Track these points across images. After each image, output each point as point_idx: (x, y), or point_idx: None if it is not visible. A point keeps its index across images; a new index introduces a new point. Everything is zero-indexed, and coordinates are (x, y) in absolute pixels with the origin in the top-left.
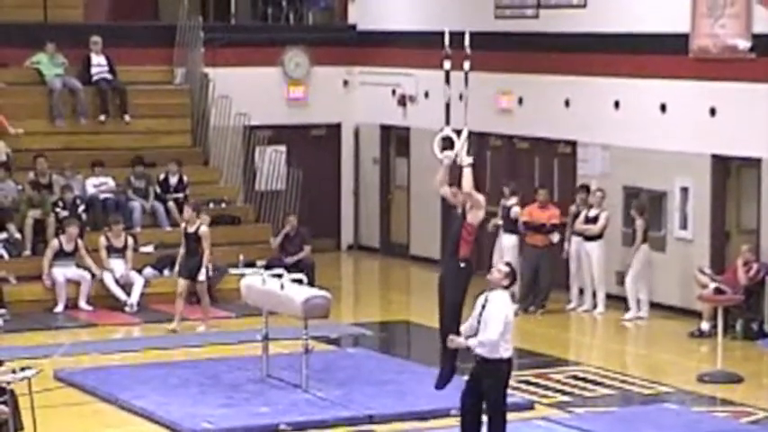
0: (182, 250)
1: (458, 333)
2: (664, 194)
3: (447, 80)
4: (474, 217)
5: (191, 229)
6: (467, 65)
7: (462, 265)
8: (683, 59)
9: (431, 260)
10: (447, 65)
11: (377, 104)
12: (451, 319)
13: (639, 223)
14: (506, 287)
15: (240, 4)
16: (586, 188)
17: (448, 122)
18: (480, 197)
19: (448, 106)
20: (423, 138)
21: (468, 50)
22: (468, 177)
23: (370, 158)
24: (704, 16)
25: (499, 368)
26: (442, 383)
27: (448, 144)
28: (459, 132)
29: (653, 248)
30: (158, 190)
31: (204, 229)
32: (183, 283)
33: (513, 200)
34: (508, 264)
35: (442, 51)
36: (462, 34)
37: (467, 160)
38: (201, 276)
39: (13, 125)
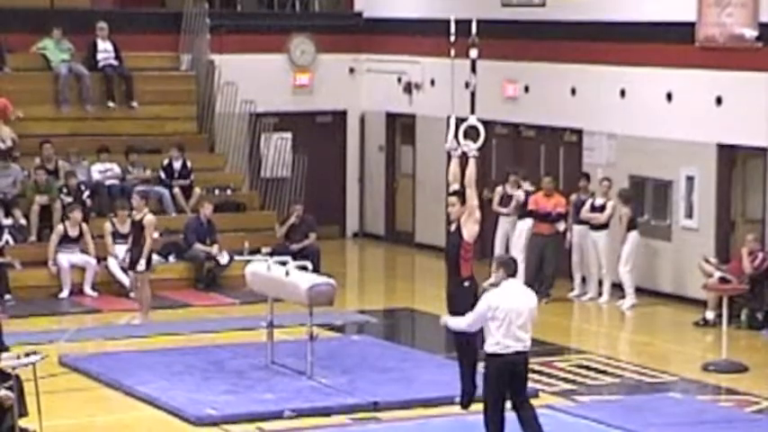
0: (129, 239)
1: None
2: (669, 183)
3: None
4: (470, 233)
5: (137, 217)
6: (473, 53)
7: (466, 284)
8: (689, 48)
9: (436, 248)
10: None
11: (383, 92)
12: (463, 335)
13: (625, 211)
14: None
15: None
16: (587, 176)
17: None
18: (478, 214)
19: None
20: (428, 125)
21: (475, 39)
22: (472, 169)
23: (376, 146)
24: (711, 5)
25: (487, 363)
26: (465, 401)
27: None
28: (464, 120)
29: (658, 238)
30: (163, 175)
31: (149, 218)
32: (131, 274)
33: (527, 185)
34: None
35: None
36: (469, 22)
37: (475, 151)
38: (140, 266)
39: (18, 110)
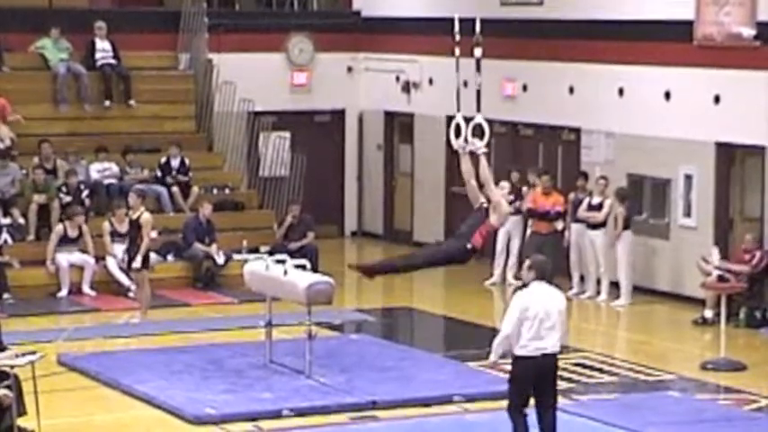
0: (127, 238)
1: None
2: (668, 182)
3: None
4: (497, 220)
5: (134, 216)
6: (478, 51)
7: (469, 246)
8: (687, 47)
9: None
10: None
11: (381, 91)
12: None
13: (620, 211)
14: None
15: None
16: (585, 175)
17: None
18: (505, 207)
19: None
20: (427, 124)
21: (479, 37)
22: (485, 166)
23: (374, 145)
24: (709, 4)
25: (514, 364)
26: None
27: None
28: (469, 120)
29: (657, 236)
30: (159, 173)
31: (146, 217)
32: (131, 273)
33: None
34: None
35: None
36: (471, 21)
37: (482, 149)
38: (135, 264)
39: (17, 110)
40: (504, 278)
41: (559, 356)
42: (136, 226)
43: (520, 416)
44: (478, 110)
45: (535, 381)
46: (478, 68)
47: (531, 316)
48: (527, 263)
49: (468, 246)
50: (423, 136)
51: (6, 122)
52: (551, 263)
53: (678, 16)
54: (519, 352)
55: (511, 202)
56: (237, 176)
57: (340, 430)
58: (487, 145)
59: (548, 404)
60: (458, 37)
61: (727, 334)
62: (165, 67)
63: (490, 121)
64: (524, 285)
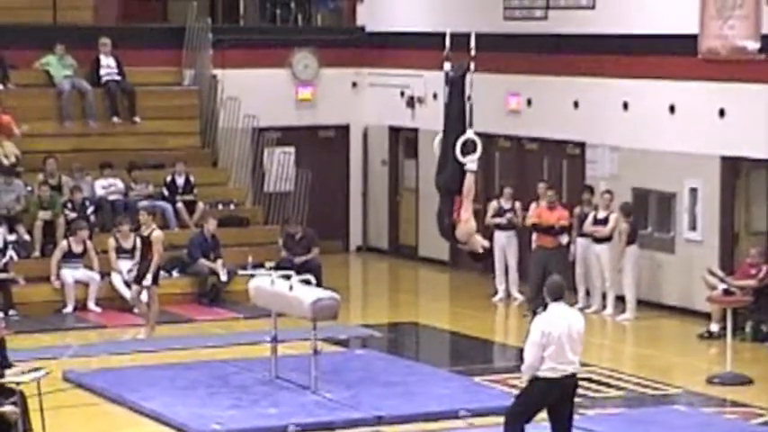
0: (137, 254)
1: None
2: (673, 196)
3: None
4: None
5: (145, 233)
6: (470, 66)
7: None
8: (691, 60)
9: (439, 261)
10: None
11: (385, 106)
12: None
13: (624, 227)
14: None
15: (249, 5)
16: (590, 189)
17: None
18: (473, 224)
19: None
20: (431, 139)
21: (473, 52)
22: (470, 180)
23: (379, 160)
24: (713, 17)
25: (534, 383)
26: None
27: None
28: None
29: (662, 250)
30: (166, 192)
31: (157, 234)
32: (135, 288)
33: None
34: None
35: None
36: (469, 35)
37: (472, 165)
38: (146, 281)
39: (21, 125)
40: (509, 293)
41: None
42: (147, 242)
43: (519, 430)
44: (470, 125)
45: (554, 402)
46: (470, 85)
47: (555, 339)
48: (545, 289)
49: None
50: (427, 151)
51: (11, 139)
52: (564, 282)
53: (682, 30)
54: (543, 374)
55: (503, 214)
56: (242, 192)
57: None
58: (489, 159)
59: (565, 424)
60: (447, 52)
61: (734, 348)
62: (170, 82)
63: (495, 136)
64: (543, 308)
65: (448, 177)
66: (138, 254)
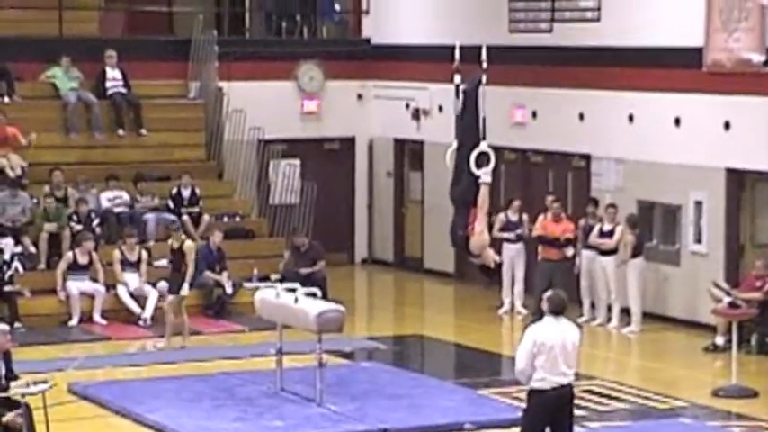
0: (170, 266)
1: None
2: (678, 208)
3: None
4: (474, 247)
5: (175, 245)
6: (483, 79)
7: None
8: (697, 73)
9: (445, 274)
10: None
11: (391, 118)
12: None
13: (630, 239)
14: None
15: (254, 18)
16: (595, 201)
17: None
18: (486, 237)
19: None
20: (437, 152)
21: (485, 64)
22: (484, 194)
23: (384, 172)
24: (718, 30)
25: (530, 398)
26: None
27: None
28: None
29: (667, 263)
30: (171, 204)
31: (189, 244)
32: (171, 299)
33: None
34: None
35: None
36: (476, 48)
37: (486, 177)
38: (184, 291)
39: (26, 136)
40: (513, 306)
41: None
42: (179, 253)
43: None
44: (483, 138)
45: (552, 414)
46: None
47: (546, 350)
48: (546, 295)
49: (460, 233)
50: (433, 163)
51: (18, 150)
52: (567, 298)
53: (687, 43)
54: (537, 385)
55: (511, 227)
56: (248, 204)
57: None
58: (494, 172)
59: None
60: (457, 64)
61: (739, 360)
62: (176, 95)
63: (500, 149)
64: (539, 318)
65: (464, 189)
66: (143, 266)
